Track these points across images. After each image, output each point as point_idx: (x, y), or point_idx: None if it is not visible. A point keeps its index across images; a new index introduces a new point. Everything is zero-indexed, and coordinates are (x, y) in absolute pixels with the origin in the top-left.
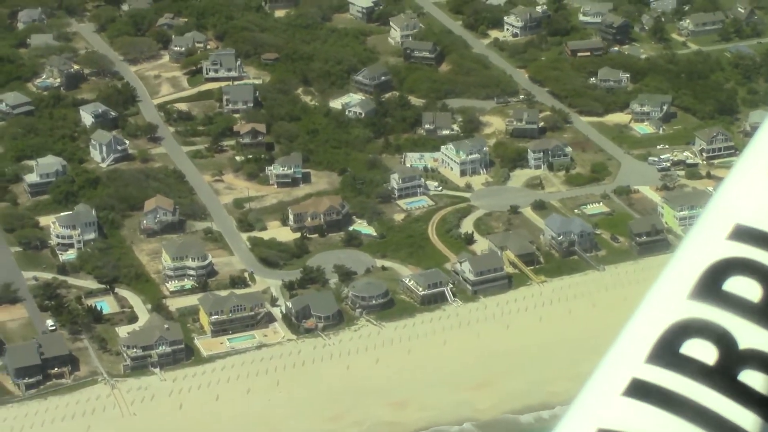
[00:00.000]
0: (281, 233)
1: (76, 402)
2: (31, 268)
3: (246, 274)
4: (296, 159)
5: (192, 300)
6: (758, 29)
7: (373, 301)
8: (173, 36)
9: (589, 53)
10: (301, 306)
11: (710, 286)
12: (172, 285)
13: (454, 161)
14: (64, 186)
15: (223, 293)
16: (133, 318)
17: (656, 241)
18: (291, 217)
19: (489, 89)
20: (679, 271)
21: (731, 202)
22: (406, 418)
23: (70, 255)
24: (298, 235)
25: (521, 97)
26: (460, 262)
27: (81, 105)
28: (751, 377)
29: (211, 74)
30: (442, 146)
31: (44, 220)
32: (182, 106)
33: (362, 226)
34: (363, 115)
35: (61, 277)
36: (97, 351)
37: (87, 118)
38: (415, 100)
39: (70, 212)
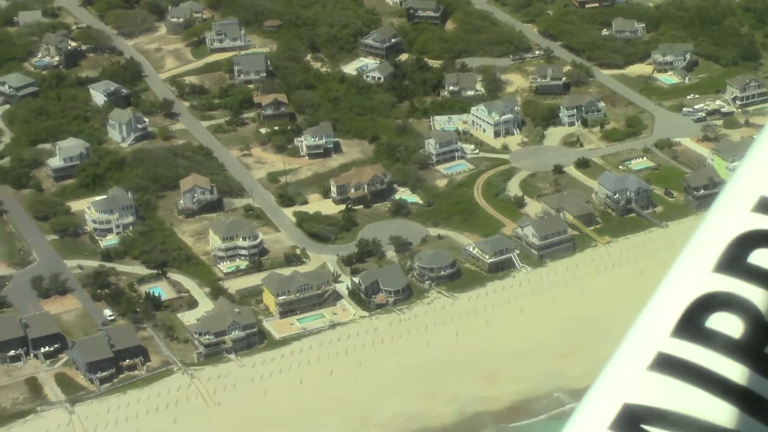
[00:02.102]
0: (324, 206)
1: (157, 394)
2: (73, 257)
3: (298, 251)
4: (326, 129)
5: (249, 281)
6: None
7: (442, 272)
8: (169, 7)
9: (597, 4)
10: (370, 281)
11: (736, 258)
12: (225, 266)
13: (487, 122)
14: (90, 169)
15: (282, 272)
16: (192, 303)
17: (714, 194)
18: (334, 188)
19: (502, 46)
20: (704, 244)
21: (756, 174)
22: (499, 392)
23: (111, 241)
24: (341, 207)
25: (537, 53)
26: (522, 227)
27: (87, 83)
28: None
29: (216, 45)
30: (472, 108)
31: (75, 206)
32: (192, 79)
33: (407, 195)
34: (382, 79)
35: (108, 264)
36: (164, 339)
37: (98, 96)
38: (430, 62)
39: (105, 196)
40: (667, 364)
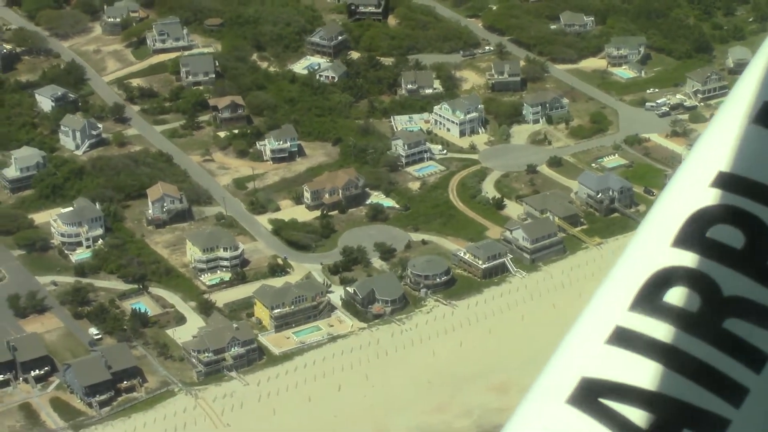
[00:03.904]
0: (297, 212)
1: (163, 417)
2: (44, 273)
3: (280, 261)
4: (290, 131)
5: (235, 293)
6: None
7: (437, 280)
8: (104, 6)
9: None
10: (366, 291)
11: (694, 233)
12: (207, 278)
13: (452, 121)
14: (48, 179)
15: (270, 283)
16: (180, 318)
17: None
18: (307, 194)
19: (451, 42)
20: (663, 219)
21: (715, 149)
22: (514, 403)
23: (82, 254)
24: (316, 213)
25: (487, 48)
26: (511, 230)
27: (29, 88)
28: (735, 325)
29: (158, 45)
30: (435, 107)
31: (38, 218)
32: (137, 82)
33: (381, 198)
34: (336, 79)
35: (84, 280)
36: (158, 358)
37: (45, 102)
38: (380, 59)
39: (72, 208)
40: (625, 338)
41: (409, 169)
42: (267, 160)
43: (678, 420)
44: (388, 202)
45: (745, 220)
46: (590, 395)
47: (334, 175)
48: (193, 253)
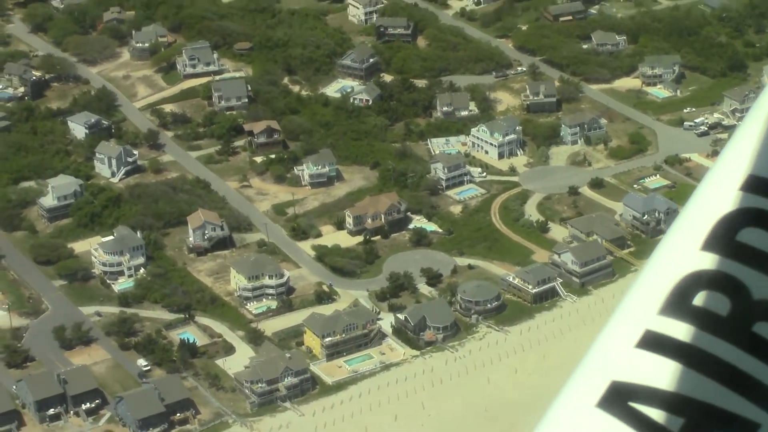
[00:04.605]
0: (339, 238)
1: None
2: (87, 303)
3: (326, 287)
4: (328, 156)
5: (283, 322)
6: None
7: (488, 305)
8: (132, 31)
9: (571, 17)
10: (418, 318)
11: (724, 236)
12: (253, 307)
13: (490, 143)
14: (86, 207)
15: (318, 310)
16: (229, 348)
17: None
18: (350, 219)
19: (483, 63)
20: (693, 222)
21: (744, 153)
22: None
23: (124, 284)
24: (358, 238)
25: (520, 69)
26: (559, 254)
27: (60, 115)
28: (765, 328)
29: (189, 70)
30: (473, 129)
31: (77, 247)
32: (170, 107)
33: (424, 223)
34: (370, 102)
35: (128, 310)
36: (209, 389)
37: (78, 129)
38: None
39: (112, 237)
40: (654, 342)
41: (450, 192)
42: (305, 185)
43: (707, 423)
44: (431, 227)
45: None
46: (620, 399)
47: (376, 200)
48: (237, 281)
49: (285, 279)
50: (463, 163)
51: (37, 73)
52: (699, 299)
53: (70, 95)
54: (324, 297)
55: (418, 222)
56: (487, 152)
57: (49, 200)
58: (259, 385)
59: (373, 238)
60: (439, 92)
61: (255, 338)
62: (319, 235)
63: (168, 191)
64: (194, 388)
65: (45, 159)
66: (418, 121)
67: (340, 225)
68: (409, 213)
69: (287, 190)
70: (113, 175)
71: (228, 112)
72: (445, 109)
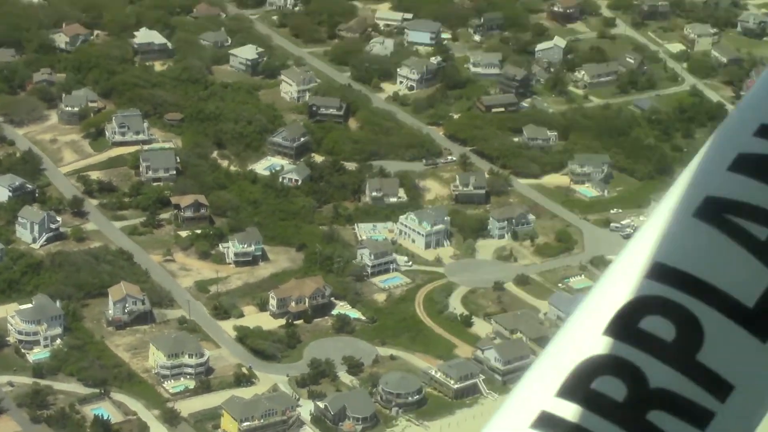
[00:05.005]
0: (261, 319)
1: None
2: (0, 372)
3: (245, 370)
4: (255, 235)
5: (200, 402)
6: (653, 81)
7: (409, 398)
8: (62, 95)
9: (503, 109)
10: (338, 407)
11: (626, 323)
12: (170, 386)
13: (418, 232)
14: (6, 273)
15: (235, 393)
16: (143, 427)
17: None
18: (273, 301)
19: (414, 150)
20: (596, 307)
21: (651, 242)
22: None
23: (40, 354)
24: (280, 321)
25: (450, 158)
26: (482, 350)
27: None
28: (659, 417)
29: (118, 138)
30: (401, 216)
31: None
32: (96, 175)
33: (347, 309)
34: (300, 182)
35: (42, 381)
36: None
37: (2, 192)
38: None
39: (31, 305)
40: (550, 423)
41: (375, 279)
42: (230, 263)
43: None
44: (355, 314)
45: (677, 313)
46: None
47: (302, 283)
48: (156, 358)
49: (205, 359)
50: (390, 250)
51: None
52: (597, 384)
53: None
54: (243, 380)
55: (342, 308)
56: (414, 241)
57: None
58: None
59: (295, 322)
60: (369, 177)
61: (170, 418)
62: (241, 315)
63: (90, 261)
64: None
65: None
66: (347, 204)
67: (263, 306)
68: (333, 298)
69: (211, 267)
70: (34, 240)
71: (155, 183)
72: (374, 194)
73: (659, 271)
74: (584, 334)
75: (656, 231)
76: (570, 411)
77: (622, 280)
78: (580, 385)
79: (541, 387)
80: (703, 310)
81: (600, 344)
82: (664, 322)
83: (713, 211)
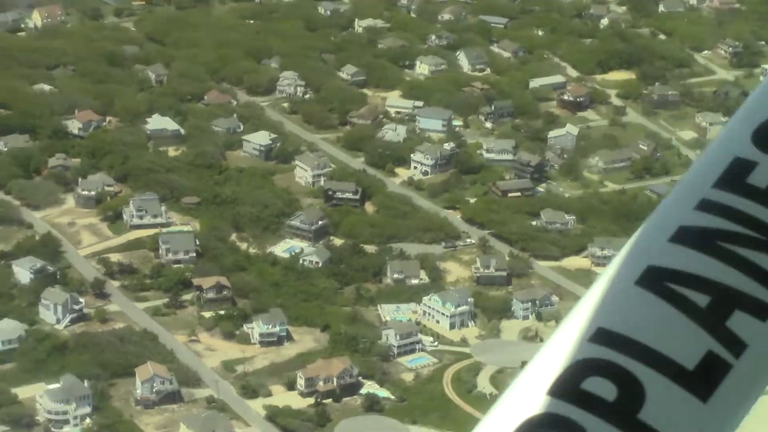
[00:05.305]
0: (290, 399)
1: None
2: None
3: None
4: (279, 315)
5: None
6: (667, 167)
7: None
8: (79, 179)
9: (519, 194)
10: None
11: (569, 384)
12: None
13: (442, 313)
14: (32, 354)
15: None
16: None
17: None
18: (301, 381)
19: (432, 233)
20: (541, 369)
21: (595, 307)
22: None
23: None
24: (309, 400)
25: (468, 240)
26: None
27: (2, 258)
28: None
29: (136, 221)
30: (424, 298)
31: (20, 393)
32: (115, 257)
33: (375, 388)
34: (320, 264)
35: None
36: None
37: (22, 273)
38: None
39: (59, 385)
40: None
41: (401, 359)
42: (255, 344)
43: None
44: (383, 393)
45: (617, 374)
46: None
47: (329, 363)
48: None
49: None
50: (415, 331)
51: None
52: None
53: (14, 239)
54: None
55: (370, 387)
56: (438, 321)
57: None
58: None
59: (323, 401)
60: (389, 259)
61: None
62: (269, 394)
63: (115, 342)
64: None
65: None
66: (368, 286)
67: (290, 386)
68: (360, 378)
69: (237, 347)
70: (58, 321)
71: (175, 265)
72: (395, 276)
73: (601, 336)
74: (528, 395)
75: (599, 298)
76: None
77: (566, 343)
78: None
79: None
80: (645, 372)
81: (544, 404)
82: (606, 383)
83: (655, 279)
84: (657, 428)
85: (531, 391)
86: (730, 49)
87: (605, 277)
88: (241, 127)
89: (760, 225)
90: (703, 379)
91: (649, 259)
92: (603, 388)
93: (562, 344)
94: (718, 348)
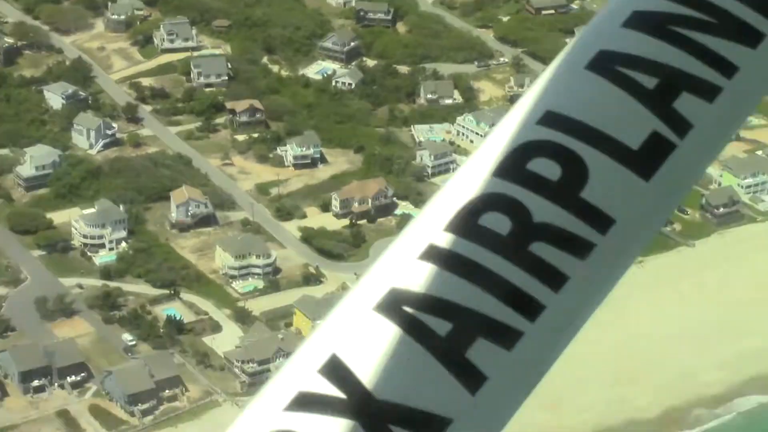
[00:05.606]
0: (324, 220)
1: (211, 428)
2: (67, 275)
3: (312, 269)
4: (313, 138)
5: (270, 302)
6: None
7: None
8: (108, 3)
9: (553, 11)
10: None
11: (516, 165)
12: (239, 286)
13: (476, 133)
14: (66, 179)
15: (304, 291)
16: (215, 327)
17: (732, 213)
18: (336, 202)
19: (465, 52)
20: (490, 150)
21: (544, 91)
22: (565, 420)
23: (106, 257)
24: (343, 222)
25: (502, 59)
26: None
27: (34, 84)
28: (541, 248)
29: (167, 45)
30: (458, 117)
31: (55, 218)
32: (147, 81)
33: (410, 209)
34: (353, 85)
35: (111, 284)
36: (197, 367)
37: (55, 99)
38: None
39: (94, 209)
40: (436, 255)
41: (435, 179)
42: (289, 166)
43: (474, 329)
44: (418, 213)
45: (562, 155)
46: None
47: (364, 185)
48: (223, 259)
49: (272, 259)
50: (449, 151)
51: (10, 40)
52: (484, 220)
53: (44, 64)
54: (311, 279)
55: (404, 208)
56: (472, 141)
57: (26, 169)
58: (251, 365)
59: (358, 222)
60: (422, 79)
61: (242, 317)
62: (304, 216)
63: (149, 166)
64: (182, 365)
65: (20, 128)
66: (402, 107)
67: (325, 207)
68: (395, 199)
69: (270, 170)
70: (91, 147)
71: (207, 89)
72: (429, 96)
73: (549, 118)
74: (475, 178)
75: (549, 82)
76: (456, 243)
77: (514, 126)
78: (466, 220)
79: (430, 223)
80: (589, 152)
81: (489, 184)
82: (550, 163)
83: (605, 63)
84: (598, 206)
85: (478, 173)
86: None
87: (556, 62)
88: None
89: (712, 7)
90: (647, 159)
91: (601, 44)
92: (547, 169)
93: (511, 127)
94: (663, 128)
